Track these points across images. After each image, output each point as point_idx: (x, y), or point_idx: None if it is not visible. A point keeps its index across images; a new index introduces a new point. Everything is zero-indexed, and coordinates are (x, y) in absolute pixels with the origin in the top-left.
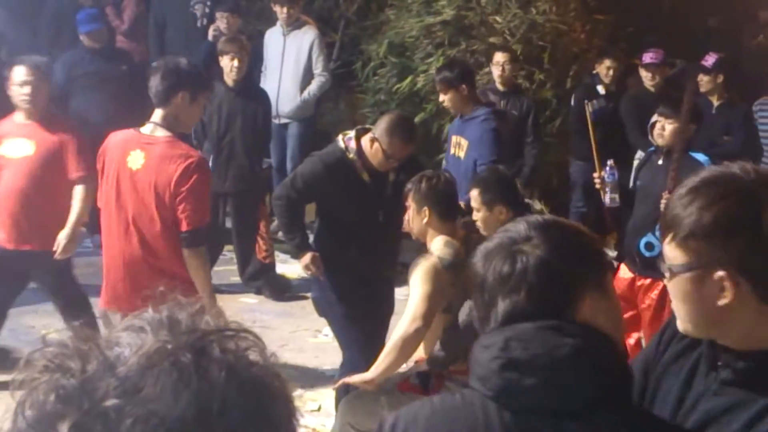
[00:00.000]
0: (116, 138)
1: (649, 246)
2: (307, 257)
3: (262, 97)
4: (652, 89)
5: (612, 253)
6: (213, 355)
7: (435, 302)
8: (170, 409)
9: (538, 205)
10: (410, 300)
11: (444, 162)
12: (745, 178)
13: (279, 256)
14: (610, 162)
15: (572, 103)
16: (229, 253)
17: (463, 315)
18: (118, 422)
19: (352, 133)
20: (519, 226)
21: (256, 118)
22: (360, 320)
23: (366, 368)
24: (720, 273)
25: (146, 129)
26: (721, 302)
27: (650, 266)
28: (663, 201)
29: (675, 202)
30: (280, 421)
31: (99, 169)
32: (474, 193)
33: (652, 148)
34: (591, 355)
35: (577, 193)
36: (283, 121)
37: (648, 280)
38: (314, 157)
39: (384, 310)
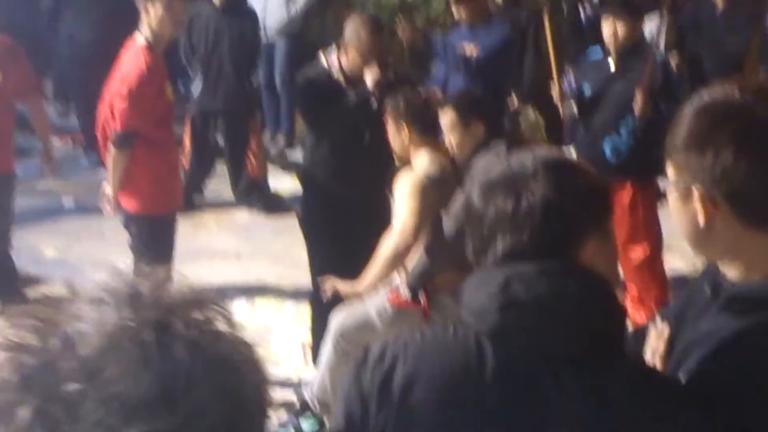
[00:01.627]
0: None
1: (616, 151)
2: None
3: (249, 15)
4: None
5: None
6: (176, 332)
7: (423, 217)
8: (132, 390)
9: (532, 116)
10: (398, 215)
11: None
12: (744, 98)
13: (272, 171)
14: (568, 71)
15: (565, 11)
16: (221, 169)
17: (447, 228)
18: (80, 406)
19: (333, 49)
20: (524, 161)
21: (244, 35)
22: (340, 247)
23: (332, 305)
24: (696, 190)
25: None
26: (700, 222)
27: (617, 170)
28: (638, 102)
29: (680, 114)
30: (248, 395)
31: None
32: (447, 113)
33: (594, 54)
34: (593, 301)
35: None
36: (271, 38)
37: (615, 186)
38: (300, 76)
39: (369, 235)
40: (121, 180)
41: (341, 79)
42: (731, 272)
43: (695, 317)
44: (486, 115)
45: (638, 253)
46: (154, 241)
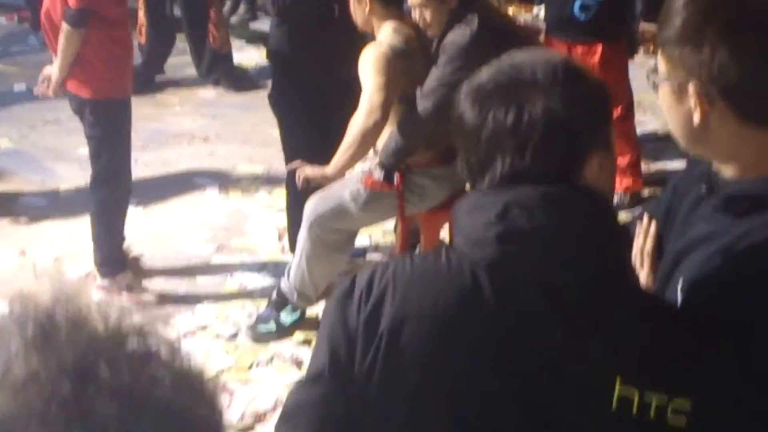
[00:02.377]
0: None
1: (584, 8)
2: None
3: None
4: None
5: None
6: (101, 380)
7: (391, 92)
8: None
9: None
10: (364, 91)
11: None
12: None
13: (235, 44)
14: None
15: None
16: (182, 44)
17: (419, 104)
18: None
19: None
20: (521, 65)
21: None
22: (313, 127)
23: (308, 191)
24: (692, 85)
25: None
26: (696, 119)
27: (586, 30)
28: None
29: (668, 5)
30: None
31: None
32: None
33: None
34: (596, 228)
35: None
36: None
37: (584, 47)
38: None
39: (343, 114)
40: (72, 62)
41: None
42: (726, 170)
43: (685, 218)
44: None
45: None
46: (113, 127)
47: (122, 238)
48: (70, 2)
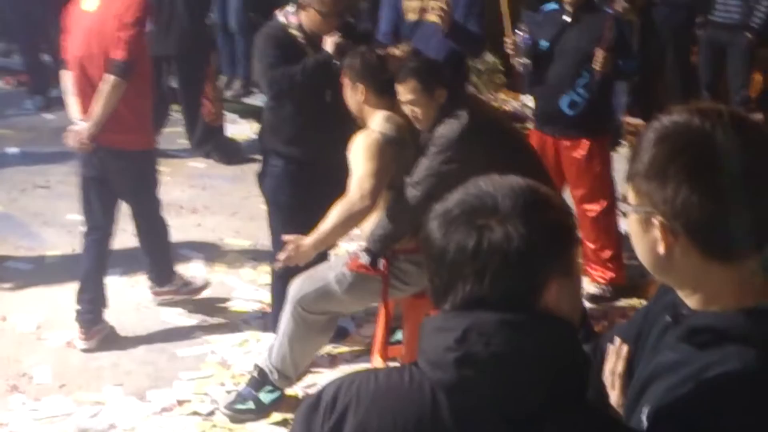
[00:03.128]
0: None
1: (573, 104)
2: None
3: None
4: None
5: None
6: None
7: (381, 179)
8: None
9: (491, 58)
10: (354, 176)
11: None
12: (704, 124)
13: (229, 118)
14: (522, 25)
15: None
16: (176, 114)
17: (408, 192)
18: None
19: (291, 7)
20: (486, 192)
21: None
22: (301, 210)
23: (293, 272)
24: (656, 219)
25: None
26: (660, 250)
27: (573, 125)
28: (598, 59)
29: (642, 135)
30: None
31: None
32: (410, 85)
33: (550, 6)
34: (553, 355)
35: None
36: None
37: (570, 141)
38: (259, 35)
39: (331, 199)
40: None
41: (300, 37)
42: (690, 301)
43: (653, 345)
44: (447, 81)
45: (594, 208)
46: (140, 175)
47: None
48: (119, 55)
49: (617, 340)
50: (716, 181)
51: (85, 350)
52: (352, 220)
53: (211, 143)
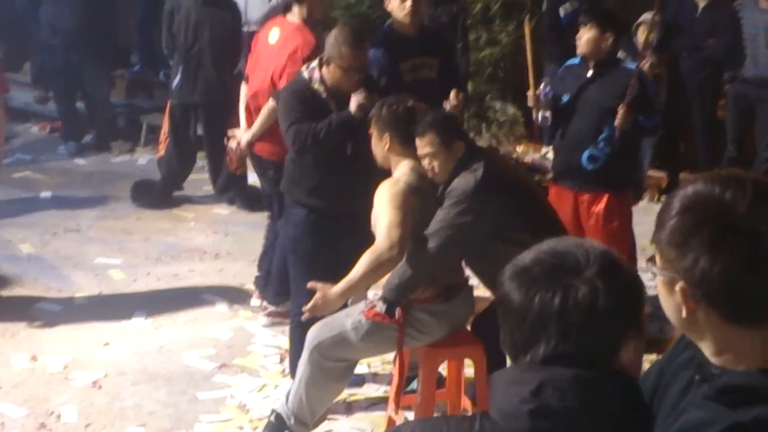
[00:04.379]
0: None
1: (593, 159)
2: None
3: (230, 5)
4: None
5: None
6: None
7: (407, 228)
8: None
9: (512, 110)
10: (381, 225)
11: None
12: (724, 195)
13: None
14: (546, 79)
15: (544, 5)
16: (201, 161)
17: (431, 244)
18: None
19: (315, 63)
20: (565, 251)
21: (224, 26)
22: (321, 258)
23: (312, 320)
24: (679, 285)
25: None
26: (683, 314)
27: (593, 180)
28: (620, 115)
29: (668, 202)
30: None
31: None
32: (428, 138)
33: (572, 61)
34: (624, 414)
35: None
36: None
37: (590, 195)
38: (284, 91)
39: (352, 248)
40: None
41: (323, 92)
42: (715, 360)
43: (674, 403)
44: (461, 131)
45: None
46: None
47: None
48: (280, 86)
49: None
50: (734, 254)
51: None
52: (380, 268)
53: (234, 190)
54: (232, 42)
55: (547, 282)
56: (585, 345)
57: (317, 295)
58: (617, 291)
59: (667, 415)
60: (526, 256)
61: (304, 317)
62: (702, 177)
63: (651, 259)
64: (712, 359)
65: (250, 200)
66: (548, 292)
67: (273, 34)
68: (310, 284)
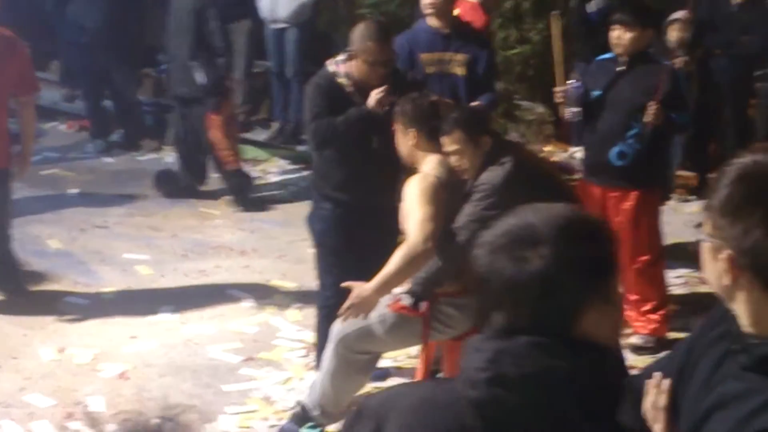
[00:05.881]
0: None
1: (622, 155)
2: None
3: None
4: None
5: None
6: None
7: (439, 222)
8: None
9: (540, 109)
10: (413, 220)
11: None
12: None
13: (279, 164)
14: (574, 74)
15: (572, 1)
16: None
17: (459, 237)
18: None
19: (341, 56)
20: (528, 222)
21: (194, 16)
22: (349, 253)
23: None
24: (725, 253)
25: None
26: (725, 281)
27: (621, 177)
28: (651, 111)
29: (724, 170)
30: None
31: None
32: (455, 136)
33: (605, 56)
34: (583, 379)
35: None
36: (281, 25)
37: (619, 193)
38: (309, 84)
39: (378, 242)
40: None
41: (349, 86)
42: (753, 329)
43: (706, 378)
44: (487, 126)
45: (640, 262)
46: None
47: None
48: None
49: (656, 374)
50: None
51: None
52: (415, 263)
53: (229, 184)
54: (200, 33)
55: (505, 253)
56: (541, 314)
57: (353, 294)
58: (573, 259)
59: (699, 390)
60: (499, 225)
61: (343, 318)
62: (763, 147)
63: (698, 225)
64: (750, 329)
65: (239, 188)
66: (504, 264)
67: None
68: (345, 284)
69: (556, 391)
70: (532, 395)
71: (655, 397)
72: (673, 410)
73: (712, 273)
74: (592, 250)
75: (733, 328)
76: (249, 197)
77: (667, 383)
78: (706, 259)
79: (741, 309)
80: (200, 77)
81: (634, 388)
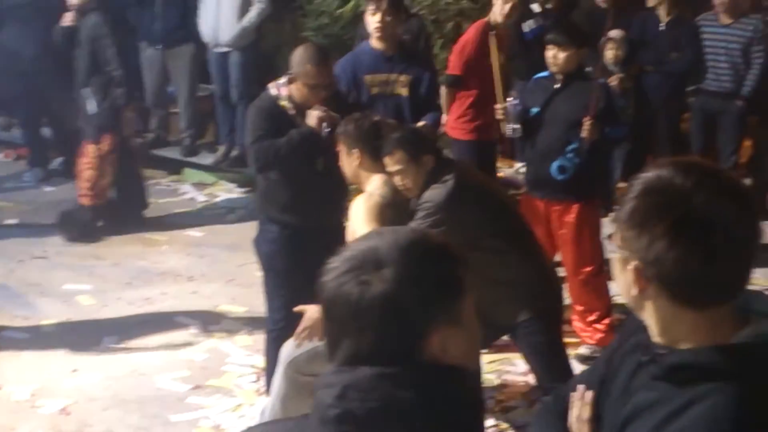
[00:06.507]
0: None
1: (562, 169)
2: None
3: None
4: (604, 5)
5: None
6: None
7: None
8: None
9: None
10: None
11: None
12: (685, 183)
13: (225, 187)
14: (513, 92)
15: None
16: (174, 184)
17: None
18: None
19: (282, 80)
20: (371, 246)
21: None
22: (296, 275)
23: (286, 336)
24: (633, 264)
25: None
26: (633, 292)
27: (563, 190)
28: (586, 127)
29: (632, 183)
30: None
31: None
32: (397, 156)
33: (542, 74)
34: (432, 406)
35: None
36: (223, 49)
37: (561, 206)
38: (251, 107)
39: (325, 263)
40: None
41: (290, 109)
42: (661, 339)
43: (624, 388)
44: (429, 145)
45: (584, 273)
46: None
47: None
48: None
49: (580, 387)
50: (690, 244)
51: None
52: None
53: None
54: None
55: (350, 278)
56: (384, 341)
57: (307, 317)
58: (414, 282)
59: (617, 400)
60: (344, 252)
61: (297, 343)
62: (667, 163)
63: (609, 237)
64: (659, 339)
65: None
66: (351, 288)
67: None
68: (297, 308)
69: (404, 423)
70: (381, 429)
71: (579, 410)
72: (597, 422)
73: (622, 284)
74: (436, 270)
75: (643, 338)
76: (78, 235)
77: (590, 395)
78: (616, 270)
79: (650, 319)
80: (91, 106)
81: (561, 400)
